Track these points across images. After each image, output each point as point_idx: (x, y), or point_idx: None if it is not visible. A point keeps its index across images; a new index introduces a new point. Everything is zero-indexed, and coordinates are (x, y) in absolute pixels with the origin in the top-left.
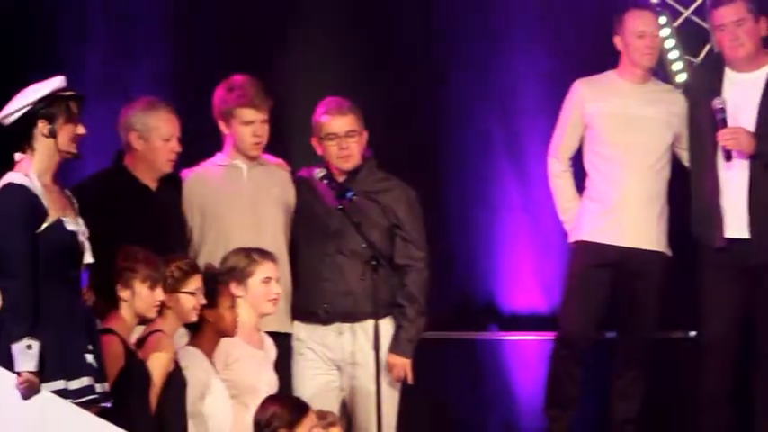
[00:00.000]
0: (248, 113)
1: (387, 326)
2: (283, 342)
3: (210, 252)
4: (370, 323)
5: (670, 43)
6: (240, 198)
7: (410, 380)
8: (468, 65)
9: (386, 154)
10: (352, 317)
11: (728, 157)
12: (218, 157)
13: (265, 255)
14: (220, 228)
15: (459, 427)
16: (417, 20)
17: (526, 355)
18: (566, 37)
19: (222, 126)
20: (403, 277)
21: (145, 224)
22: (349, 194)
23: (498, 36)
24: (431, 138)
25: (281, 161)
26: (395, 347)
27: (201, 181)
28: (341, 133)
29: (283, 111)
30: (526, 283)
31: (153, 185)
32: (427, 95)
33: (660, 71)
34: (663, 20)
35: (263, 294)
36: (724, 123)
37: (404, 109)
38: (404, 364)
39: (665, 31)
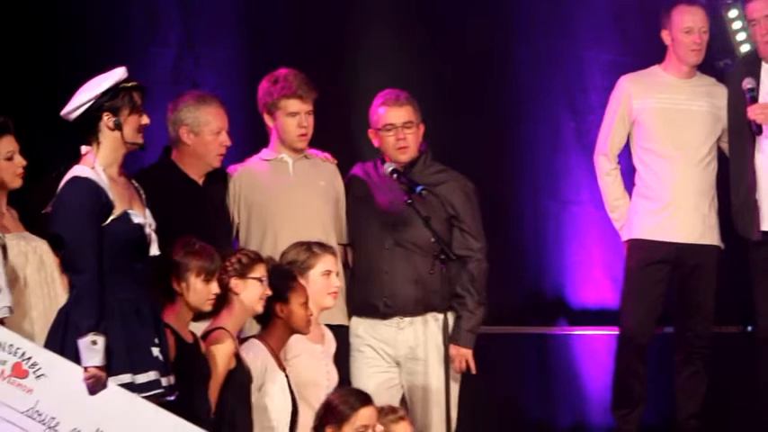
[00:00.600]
0: (293, 104)
1: (448, 319)
2: (336, 334)
3: (258, 247)
4: (430, 317)
5: (741, 36)
6: (287, 192)
7: (473, 370)
8: (539, 60)
9: (457, 147)
10: (412, 311)
11: (759, 130)
12: (264, 152)
13: (325, 248)
14: (268, 223)
15: (527, 422)
16: (487, 15)
17: (595, 349)
18: (634, 31)
19: (267, 119)
20: (462, 268)
21: (192, 218)
22: (418, 188)
23: (569, 31)
24: (502, 132)
25: (327, 155)
26: (455, 338)
27: (248, 176)
28: (398, 124)
29: (349, 104)
30: (596, 277)
31: (200, 180)
32: (498, 89)
33: (731, 64)
34: (734, 13)
35: (324, 288)
36: (754, 100)
37: (475, 103)
38: (465, 355)
39: (737, 24)
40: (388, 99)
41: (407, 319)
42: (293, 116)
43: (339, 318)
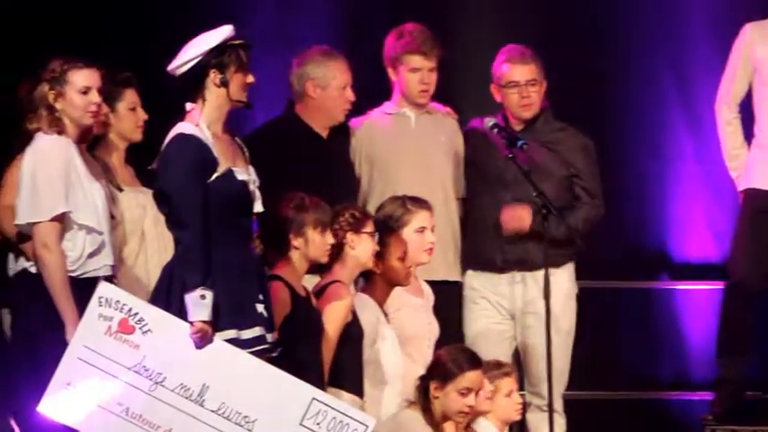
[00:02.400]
0: (416, 60)
1: (561, 275)
2: (452, 291)
3: (379, 201)
4: (543, 272)
5: None
6: (408, 147)
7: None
8: (641, 14)
9: (558, 103)
10: (526, 265)
11: None
12: (387, 106)
13: (420, 204)
14: (388, 177)
15: (630, 376)
16: None
17: (698, 304)
18: None
19: (391, 73)
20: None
21: (316, 172)
22: (519, 143)
23: None
24: (603, 87)
25: (449, 109)
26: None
27: (370, 130)
28: (522, 82)
29: (455, 60)
30: (698, 231)
31: (324, 134)
32: (599, 44)
33: None
34: None
35: (419, 245)
36: None
37: (576, 58)
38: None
39: None
40: (513, 56)
41: (522, 274)
42: (415, 72)
43: (452, 273)
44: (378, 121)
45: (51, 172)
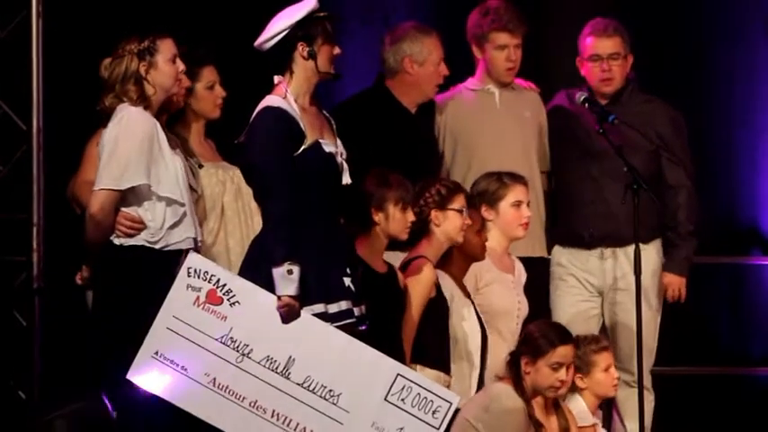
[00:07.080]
0: (502, 37)
1: (650, 251)
2: (537, 267)
3: (462, 177)
4: (632, 248)
5: None
6: (492, 124)
7: (683, 298)
8: None
9: (649, 76)
10: (615, 241)
11: None
12: (470, 82)
13: (516, 178)
14: (472, 154)
15: (720, 352)
16: None
17: None
18: None
19: (475, 50)
20: (674, 199)
21: (402, 148)
22: (610, 118)
23: None
24: (694, 59)
25: (530, 84)
26: (670, 266)
27: (454, 106)
28: (604, 55)
29: (546, 33)
30: None
31: (413, 110)
32: (692, 15)
33: None
34: None
35: (514, 218)
36: None
37: (668, 30)
38: (680, 283)
39: None
40: (597, 29)
41: (610, 250)
42: (502, 49)
43: (538, 250)
44: (462, 97)
45: (134, 143)
